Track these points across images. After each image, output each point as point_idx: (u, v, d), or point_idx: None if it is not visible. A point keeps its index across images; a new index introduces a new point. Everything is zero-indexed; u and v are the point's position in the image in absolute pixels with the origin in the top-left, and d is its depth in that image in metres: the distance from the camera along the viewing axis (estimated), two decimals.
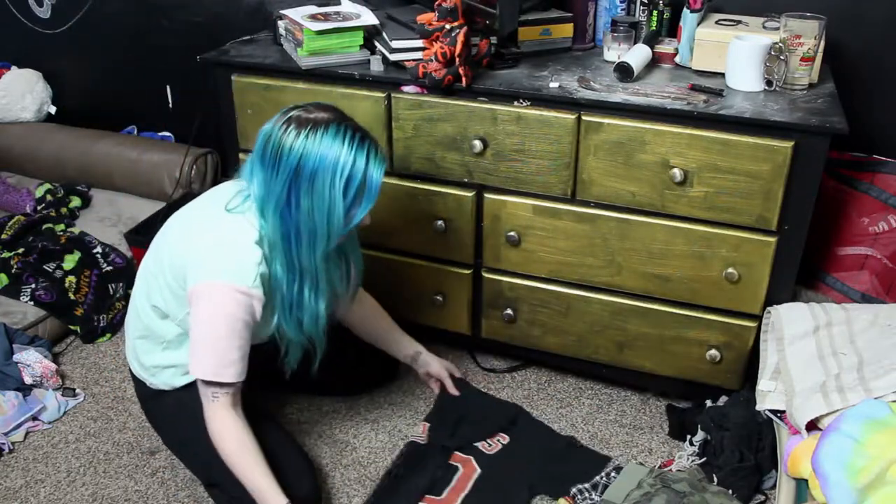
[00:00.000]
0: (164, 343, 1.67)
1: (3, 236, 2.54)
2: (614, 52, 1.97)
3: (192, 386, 1.67)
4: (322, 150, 1.45)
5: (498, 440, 1.99)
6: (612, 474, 1.87)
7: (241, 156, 2.17)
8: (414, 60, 1.90)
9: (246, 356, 1.56)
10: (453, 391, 2.01)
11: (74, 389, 2.20)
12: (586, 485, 1.85)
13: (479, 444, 1.97)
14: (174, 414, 1.72)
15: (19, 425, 2.05)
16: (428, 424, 2.00)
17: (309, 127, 1.46)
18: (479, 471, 1.91)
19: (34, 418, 2.09)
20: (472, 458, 1.94)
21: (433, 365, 2.00)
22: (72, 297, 2.39)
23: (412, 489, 1.83)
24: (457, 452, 1.94)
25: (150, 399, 1.76)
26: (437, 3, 1.79)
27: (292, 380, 1.73)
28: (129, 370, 1.79)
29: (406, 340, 2.02)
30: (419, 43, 1.89)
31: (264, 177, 1.49)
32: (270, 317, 1.59)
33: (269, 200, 1.49)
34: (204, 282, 1.50)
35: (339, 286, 1.63)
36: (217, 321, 1.50)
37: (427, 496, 1.82)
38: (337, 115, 1.51)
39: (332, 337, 1.85)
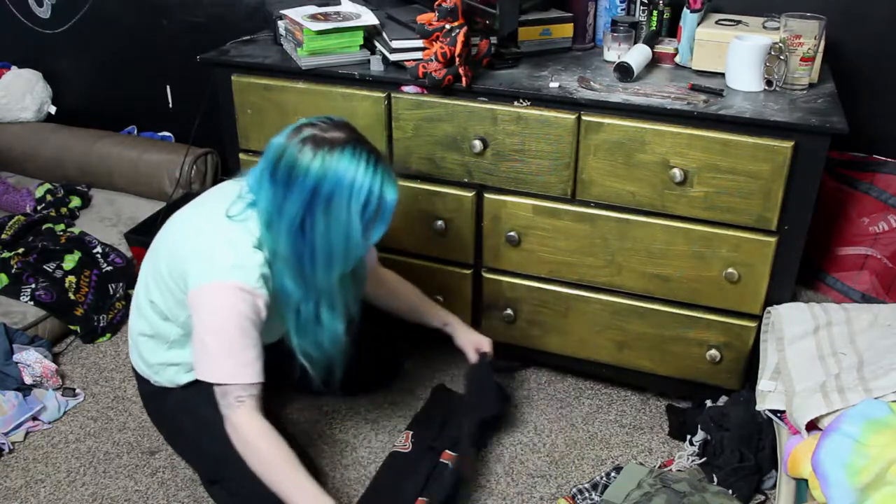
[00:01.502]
0: (168, 343, 1.66)
1: (3, 236, 2.54)
2: (614, 52, 1.97)
3: (195, 384, 1.66)
4: (339, 173, 1.43)
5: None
6: (612, 474, 1.87)
7: (241, 156, 2.18)
8: (414, 60, 1.90)
9: (261, 356, 1.53)
10: (472, 359, 1.95)
11: (74, 389, 2.20)
12: (586, 485, 1.85)
13: None
14: (177, 411, 1.72)
15: (19, 425, 2.05)
16: (410, 433, 2.00)
17: (326, 148, 1.44)
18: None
19: (34, 418, 2.09)
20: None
21: (458, 338, 1.97)
22: (72, 297, 2.39)
23: (406, 496, 1.82)
24: (446, 451, 1.94)
25: (153, 396, 1.76)
26: (437, 3, 1.79)
27: (293, 380, 1.73)
28: (132, 367, 1.79)
29: (434, 311, 1.99)
30: (419, 43, 1.89)
31: (274, 193, 1.47)
32: (275, 322, 1.57)
33: (279, 218, 1.47)
34: (207, 283, 1.49)
35: (353, 307, 1.62)
36: (226, 321, 1.48)
37: (419, 498, 1.82)
38: (351, 135, 1.49)
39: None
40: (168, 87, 2.99)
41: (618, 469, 1.88)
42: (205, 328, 1.50)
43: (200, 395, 1.60)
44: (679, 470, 1.86)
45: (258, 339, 1.52)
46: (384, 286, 1.97)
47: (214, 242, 1.52)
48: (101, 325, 2.43)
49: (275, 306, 1.54)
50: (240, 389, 1.50)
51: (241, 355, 1.49)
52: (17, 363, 2.14)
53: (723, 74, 1.86)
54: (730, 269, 1.82)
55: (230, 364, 1.49)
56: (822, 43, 1.79)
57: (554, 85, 1.85)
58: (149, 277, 1.66)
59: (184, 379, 1.69)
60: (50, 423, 2.10)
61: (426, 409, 2.10)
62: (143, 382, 1.77)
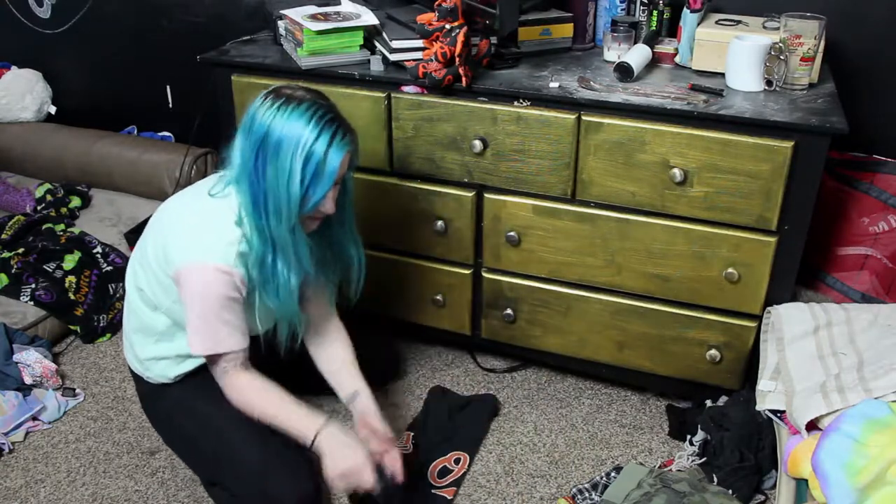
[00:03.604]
0: (156, 335, 1.69)
1: (3, 236, 2.54)
2: (614, 52, 1.97)
3: (188, 379, 1.69)
4: (288, 124, 1.49)
5: None
6: (612, 474, 1.87)
7: None
8: (414, 60, 1.90)
9: (242, 328, 1.60)
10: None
11: (74, 389, 2.20)
12: (586, 485, 1.85)
13: None
14: (173, 411, 1.73)
15: (19, 425, 2.05)
16: (411, 433, 2.00)
17: (283, 100, 1.50)
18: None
19: (34, 418, 2.09)
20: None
21: (363, 418, 1.76)
22: (72, 297, 2.39)
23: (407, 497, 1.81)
24: (454, 452, 1.95)
25: (150, 396, 1.77)
26: (437, 3, 1.79)
27: (293, 380, 1.73)
28: (128, 367, 1.80)
29: (350, 382, 1.81)
30: (419, 43, 1.89)
31: (241, 144, 1.54)
32: (254, 298, 1.61)
33: (242, 167, 1.53)
34: (187, 264, 1.54)
35: (308, 266, 1.64)
36: (206, 300, 1.54)
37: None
38: (316, 97, 1.54)
39: None
40: (168, 87, 2.99)
41: (618, 469, 1.88)
42: (189, 306, 1.57)
43: (195, 391, 1.63)
44: (679, 470, 1.86)
45: (240, 311, 1.59)
46: (322, 336, 1.83)
47: (195, 222, 1.58)
48: (101, 325, 2.43)
49: (249, 278, 1.57)
50: (223, 360, 1.60)
51: (221, 328, 1.57)
52: (17, 363, 2.13)
53: (723, 74, 1.86)
54: (730, 269, 1.82)
55: (210, 336, 1.58)
56: (822, 43, 1.79)
57: (554, 85, 1.85)
58: (136, 264, 1.70)
59: (174, 371, 1.70)
60: (50, 423, 2.10)
61: (428, 409, 2.10)
62: (138, 381, 1.78)
